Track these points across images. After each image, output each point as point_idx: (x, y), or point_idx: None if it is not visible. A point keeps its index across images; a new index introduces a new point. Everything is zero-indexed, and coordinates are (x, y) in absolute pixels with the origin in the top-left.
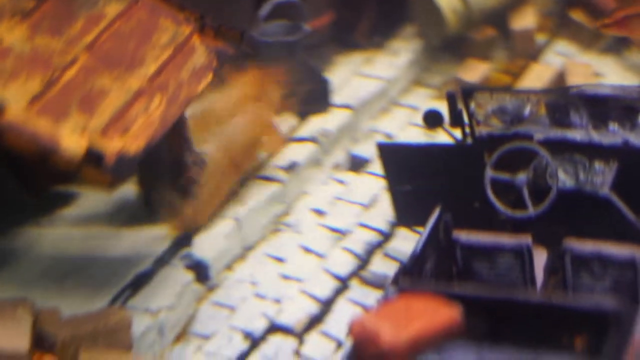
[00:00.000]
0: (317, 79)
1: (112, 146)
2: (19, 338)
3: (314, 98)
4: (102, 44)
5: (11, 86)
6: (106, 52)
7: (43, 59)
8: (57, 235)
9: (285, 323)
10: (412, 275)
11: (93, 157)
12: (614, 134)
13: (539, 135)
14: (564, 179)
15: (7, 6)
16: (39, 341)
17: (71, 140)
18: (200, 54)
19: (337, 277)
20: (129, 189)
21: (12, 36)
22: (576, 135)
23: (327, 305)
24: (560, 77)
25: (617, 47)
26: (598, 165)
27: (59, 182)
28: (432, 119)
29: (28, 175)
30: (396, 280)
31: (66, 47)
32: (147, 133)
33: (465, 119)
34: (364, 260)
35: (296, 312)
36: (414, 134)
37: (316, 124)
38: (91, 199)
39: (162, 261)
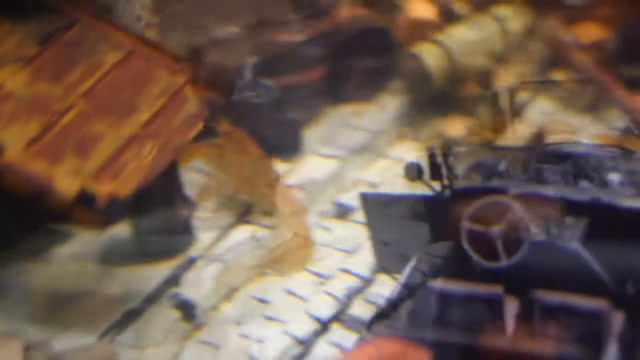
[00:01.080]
0: (286, 125)
1: (104, 189)
2: None
3: (285, 142)
4: (98, 91)
5: (11, 129)
6: (102, 99)
7: (42, 104)
8: (52, 271)
9: None
10: (386, 321)
11: (85, 198)
12: (585, 191)
13: (513, 189)
14: (536, 232)
15: (11, 52)
16: None
17: (65, 182)
18: (192, 103)
19: (318, 320)
20: (123, 230)
21: (14, 81)
22: (549, 190)
23: (307, 346)
24: (541, 134)
25: (595, 106)
26: (569, 219)
27: (54, 220)
28: (412, 172)
29: (23, 212)
30: (371, 325)
31: (64, 93)
32: (138, 177)
33: (444, 172)
34: (344, 304)
35: (277, 352)
36: (399, 185)
37: (304, 172)
38: (86, 238)
39: (151, 299)
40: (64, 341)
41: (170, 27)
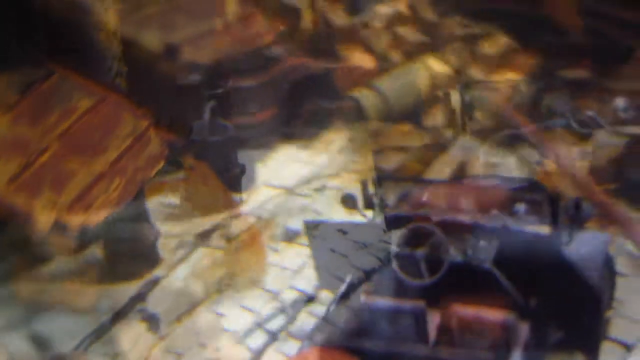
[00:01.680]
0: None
1: (76, 220)
2: None
3: (232, 181)
4: (72, 133)
5: None
6: (75, 141)
7: (22, 145)
8: (34, 288)
9: None
10: (324, 332)
11: (60, 228)
12: (496, 218)
13: (435, 217)
14: (455, 253)
15: None
16: None
17: (42, 213)
18: (155, 144)
19: (268, 331)
20: (97, 253)
21: None
22: (465, 218)
23: (258, 354)
24: (463, 167)
25: (511, 142)
26: (482, 243)
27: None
28: (348, 202)
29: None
30: (310, 335)
31: (42, 135)
32: (106, 209)
33: (377, 202)
34: (292, 317)
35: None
36: (340, 213)
37: (257, 201)
38: (64, 259)
39: (121, 314)
40: (44, 351)
41: (146, 26)
